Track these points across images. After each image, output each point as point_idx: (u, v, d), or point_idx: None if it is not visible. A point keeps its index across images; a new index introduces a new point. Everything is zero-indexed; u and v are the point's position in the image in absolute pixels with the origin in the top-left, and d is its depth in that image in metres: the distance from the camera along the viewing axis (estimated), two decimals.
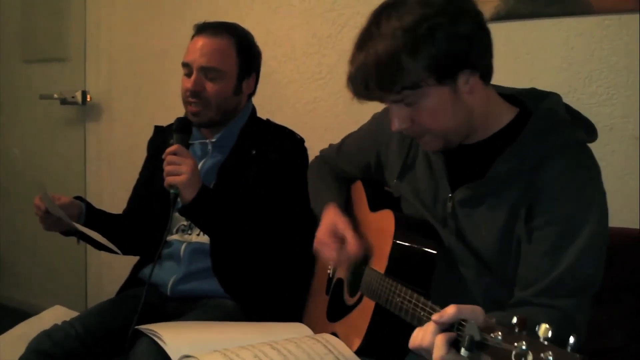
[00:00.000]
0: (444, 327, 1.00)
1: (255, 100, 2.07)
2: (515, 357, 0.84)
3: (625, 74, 1.87)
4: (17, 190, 3.36)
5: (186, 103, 1.91)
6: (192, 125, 1.89)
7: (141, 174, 2.12)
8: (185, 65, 1.90)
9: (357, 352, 1.41)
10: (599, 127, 1.89)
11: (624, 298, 1.63)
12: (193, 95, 1.87)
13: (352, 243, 1.48)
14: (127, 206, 2.10)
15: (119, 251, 1.88)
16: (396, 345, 1.05)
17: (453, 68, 1.22)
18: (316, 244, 1.54)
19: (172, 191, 1.73)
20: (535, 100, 1.34)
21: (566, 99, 1.39)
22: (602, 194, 1.27)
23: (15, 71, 3.42)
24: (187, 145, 1.82)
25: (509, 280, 1.28)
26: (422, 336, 1.02)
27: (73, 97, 3.09)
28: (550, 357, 0.80)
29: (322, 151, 1.85)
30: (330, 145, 1.81)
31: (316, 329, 1.56)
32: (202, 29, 1.92)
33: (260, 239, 1.84)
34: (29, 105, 3.35)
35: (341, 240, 1.51)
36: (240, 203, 1.83)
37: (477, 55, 1.24)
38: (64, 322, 1.78)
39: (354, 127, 1.74)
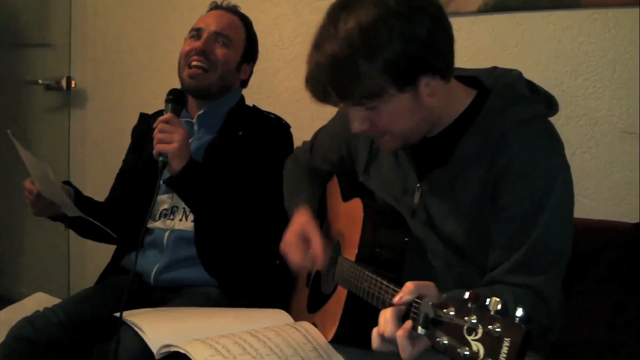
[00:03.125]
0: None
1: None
2: (466, 332, 0.87)
3: (611, 68, 1.88)
4: None
5: (186, 66, 1.90)
6: (186, 92, 1.90)
7: (124, 161, 2.11)
8: (196, 30, 1.92)
9: (333, 340, 1.40)
10: (584, 120, 1.92)
11: (606, 290, 1.64)
12: (200, 54, 1.87)
13: (317, 245, 1.47)
14: (109, 194, 2.08)
15: (114, 235, 1.86)
16: (369, 332, 1.05)
17: (412, 73, 1.19)
18: (283, 245, 1.53)
19: (160, 159, 1.69)
20: (494, 79, 1.33)
21: (552, 92, 1.39)
22: (564, 167, 1.26)
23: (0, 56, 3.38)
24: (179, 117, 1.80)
25: (485, 267, 1.27)
26: (383, 323, 1.02)
27: (58, 83, 3.06)
28: (498, 329, 0.83)
29: (295, 149, 1.84)
30: (304, 142, 1.80)
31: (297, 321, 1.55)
32: (220, 6, 2.00)
33: (244, 222, 1.82)
34: (13, 90, 3.30)
35: (308, 243, 1.49)
36: (227, 182, 1.81)
37: (437, 57, 1.21)
38: (46, 309, 1.77)
39: None
